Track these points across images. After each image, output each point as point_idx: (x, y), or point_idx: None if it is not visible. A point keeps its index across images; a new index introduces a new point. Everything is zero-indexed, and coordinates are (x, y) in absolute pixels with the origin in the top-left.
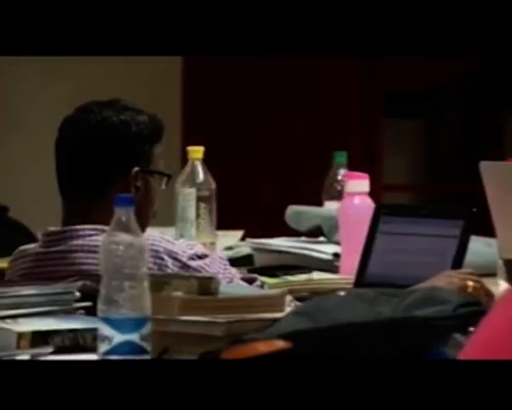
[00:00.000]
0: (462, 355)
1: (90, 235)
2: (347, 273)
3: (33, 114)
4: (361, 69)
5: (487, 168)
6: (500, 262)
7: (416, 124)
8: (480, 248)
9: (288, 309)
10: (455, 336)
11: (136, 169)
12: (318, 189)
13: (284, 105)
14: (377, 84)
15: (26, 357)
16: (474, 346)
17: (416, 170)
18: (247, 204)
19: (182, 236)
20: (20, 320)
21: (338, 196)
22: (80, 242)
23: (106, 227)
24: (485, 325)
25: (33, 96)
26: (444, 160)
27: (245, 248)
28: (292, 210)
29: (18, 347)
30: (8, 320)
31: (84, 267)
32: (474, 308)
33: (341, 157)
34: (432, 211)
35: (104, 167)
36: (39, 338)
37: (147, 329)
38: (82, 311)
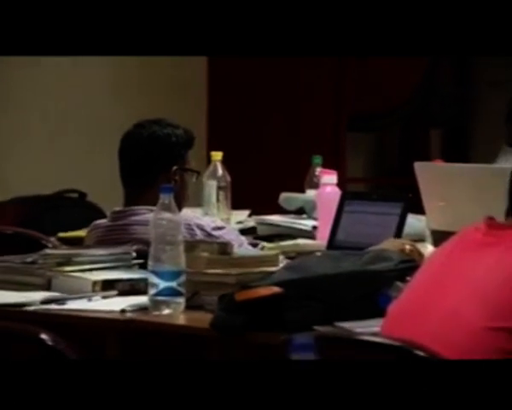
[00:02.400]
0: (402, 296)
1: (144, 213)
2: (322, 240)
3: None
4: (332, 97)
5: (419, 166)
6: (428, 232)
7: (369, 136)
8: (413, 222)
9: (280, 265)
10: (397, 283)
11: (174, 168)
12: (302, 181)
13: (279, 123)
14: (343, 109)
15: (98, 298)
16: (412, 288)
17: (369, 168)
18: (252, 191)
19: (206, 214)
20: (94, 272)
21: (315, 186)
22: (136, 218)
23: (154, 208)
24: (419, 276)
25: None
26: (389, 161)
27: (251, 223)
28: (283, 196)
29: (93, 290)
30: (86, 272)
31: (139, 236)
32: (410, 264)
33: (318, 159)
34: (381, 196)
35: (153, 167)
36: (107, 285)
37: (182, 278)
38: (137, 266)
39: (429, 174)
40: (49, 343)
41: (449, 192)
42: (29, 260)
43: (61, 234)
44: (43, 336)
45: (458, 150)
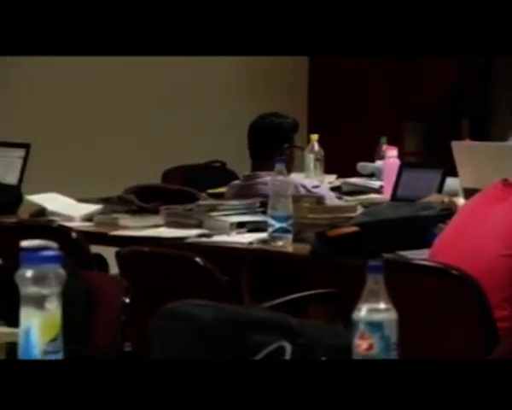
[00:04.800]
0: (443, 234)
1: (264, 177)
2: (386, 195)
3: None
4: (394, 96)
5: (455, 144)
6: (460, 189)
7: (420, 123)
8: (450, 182)
9: (358, 211)
10: (439, 224)
11: (285, 145)
12: (373, 154)
13: (357, 113)
14: (402, 104)
15: (234, 234)
16: (450, 228)
17: (420, 145)
18: (338, 161)
19: (307, 177)
20: (232, 216)
21: (382, 157)
22: (260, 180)
23: (271, 173)
24: (454, 219)
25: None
26: (433, 140)
27: (337, 183)
28: (360, 164)
29: (230, 229)
30: (226, 216)
31: (261, 192)
32: (448, 212)
33: (384, 139)
34: (427, 164)
35: (271, 145)
36: (240, 225)
37: (291, 221)
38: (260, 212)
39: (461, 149)
40: (201, 264)
41: (475, 162)
42: (188, 207)
43: (209, 190)
44: (197, 259)
45: (481, 134)
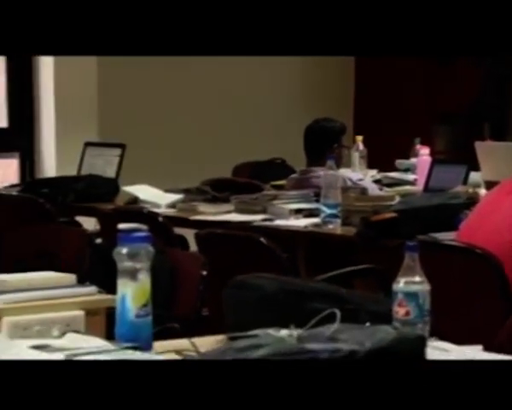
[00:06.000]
0: (468, 219)
1: (317, 171)
2: (420, 186)
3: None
4: (427, 103)
5: (478, 144)
6: (482, 181)
7: (448, 126)
8: (474, 176)
9: (396, 200)
10: (465, 211)
11: (335, 145)
12: (408, 152)
13: (394, 117)
14: (433, 110)
15: (292, 219)
16: (473, 214)
17: (448, 145)
18: (379, 158)
19: (353, 171)
20: (290, 204)
21: (416, 155)
22: (313, 174)
23: (323, 168)
24: (477, 207)
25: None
26: (459, 141)
27: (378, 176)
28: (398, 161)
29: (289, 214)
30: (285, 204)
31: (315, 184)
32: (472, 200)
33: (417, 140)
34: (454, 161)
35: (323, 145)
36: (297, 211)
37: (339, 208)
38: (314, 200)
39: (483, 148)
40: (265, 243)
41: (495, 159)
42: (254, 197)
43: (272, 183)
44: (262, 239)
45: (500, 135)
